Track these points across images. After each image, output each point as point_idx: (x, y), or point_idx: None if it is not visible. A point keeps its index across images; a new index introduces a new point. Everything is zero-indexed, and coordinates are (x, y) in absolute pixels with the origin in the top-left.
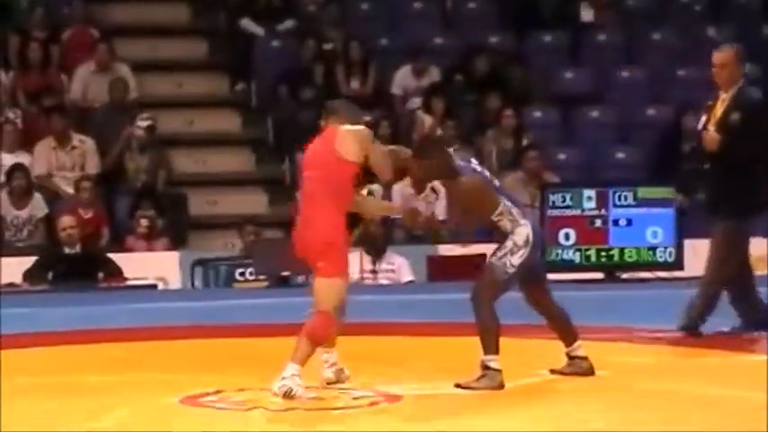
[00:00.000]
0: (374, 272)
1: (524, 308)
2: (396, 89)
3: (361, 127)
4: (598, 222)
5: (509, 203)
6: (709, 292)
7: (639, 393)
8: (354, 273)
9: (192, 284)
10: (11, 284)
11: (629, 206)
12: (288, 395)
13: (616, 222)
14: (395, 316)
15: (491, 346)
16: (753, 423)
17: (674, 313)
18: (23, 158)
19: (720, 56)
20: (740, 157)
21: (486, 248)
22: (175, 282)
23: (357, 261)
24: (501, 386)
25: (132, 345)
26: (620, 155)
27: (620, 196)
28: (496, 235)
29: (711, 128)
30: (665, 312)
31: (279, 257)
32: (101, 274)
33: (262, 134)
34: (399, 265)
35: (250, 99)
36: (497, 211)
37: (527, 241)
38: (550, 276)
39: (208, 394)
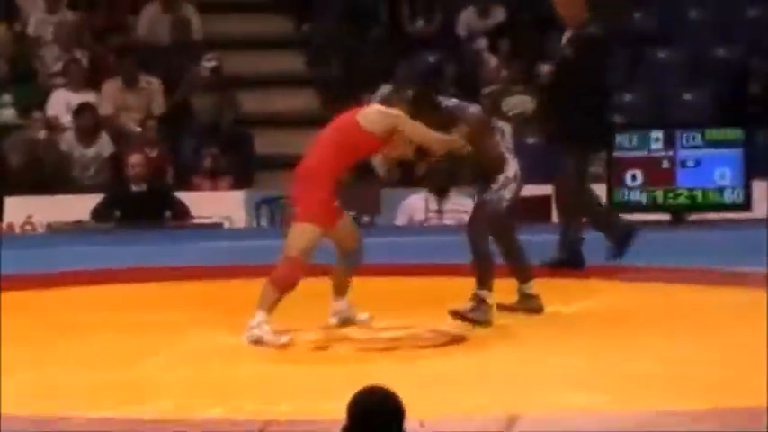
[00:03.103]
0: (439, 212)
1: None
2: (461, 29)
3: (396, 111)
4: (665, 164)
5: (504, 135)
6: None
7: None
8: (419, 213)
9: (258, 223)
10: (78, 222)
11: (696, 147)
12: (258, 343)
13: (683, 164)
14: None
15: (486, 281)
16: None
17: (742, 255)
18: (90, 97)
19: None
20: (570, 90)
21: (550, 189)
22: (240, 221)
23: (422, 202)
24: (490, 322)
25: (198, 284)
26: (688, 96)
27: (687, 137)
28: (480, 167)
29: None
30: (732, 254)
31: (344, 197)
32: (167, 213)
33: (327, 74)
34: (466, 206)
35: (315, 39)
36: (496, 140)
37: (516, 176)
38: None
39: (277, 333)
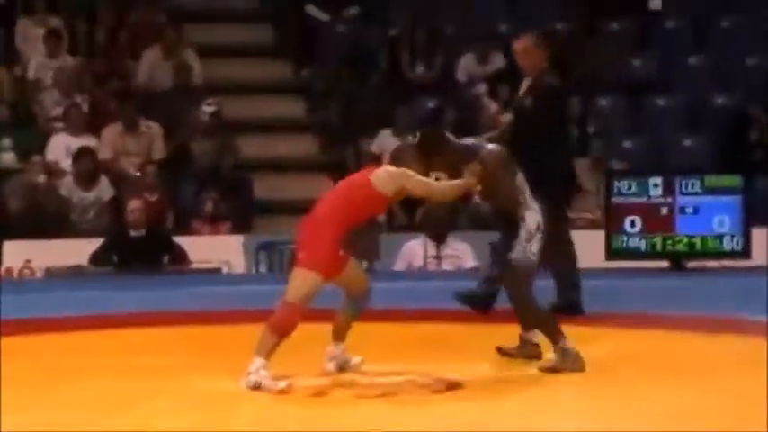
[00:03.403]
0: (438, 257)
1: None
2: (460, 75)
3: (403, 170)
4: (664, 210)
5: (523, 182)
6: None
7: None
8: (418, 259)
9: (257, 269)
10: (77, 267)
11: (696, 194)
12: (256, 389)
13: (683, 210)
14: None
15: (555, 335)
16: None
17: (741, 303)
18: (89, 141)
19: (519, 44)
20: (531, 141)
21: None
22: (239, 266)
23: (421, 247)
24: (584, 366)
25: (197, 329)
26: (687, 143)
27: (686, 184)
28: (500, 213)
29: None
30: (732, 302)
31: (344, 242)
32: (166, 258)
33: (326, 120)
34: (463, 251)
35: (315, 84)
36: (515, 183)
37: (539, 226)
38: (616, 264)
39: (275, 378)
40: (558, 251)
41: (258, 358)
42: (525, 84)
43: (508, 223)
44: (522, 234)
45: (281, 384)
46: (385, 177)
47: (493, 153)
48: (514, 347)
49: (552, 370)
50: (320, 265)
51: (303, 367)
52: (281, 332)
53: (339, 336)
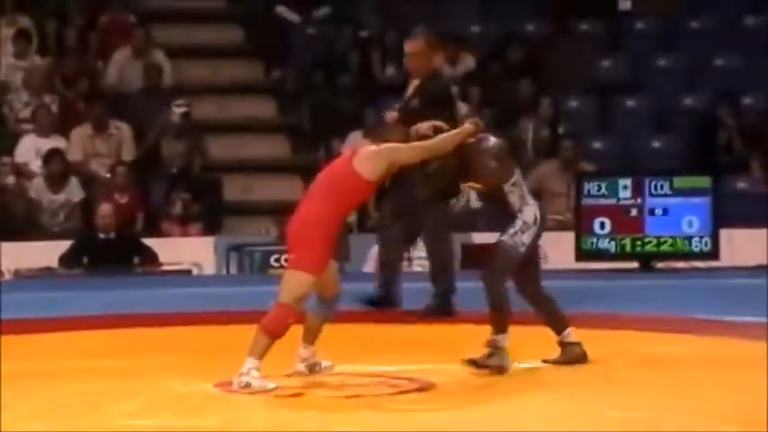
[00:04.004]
0: (408, 259)
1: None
2: None
3: (384, 145)
4: (634, 212)
5: (521, 179)
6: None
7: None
8: None
9: (227, 270)
10: (46, 268)
11: (665, 195)
12: (247, 389)
13: (652, 212)
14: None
15: (501, 325)
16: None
17: (709, 303)
18: (59, 143)
19: (410, 45)
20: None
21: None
22: (210, 267)
23: None
24: (508, 366)
25: (167, 330)
26: (657, 144)
27: (656, 185)
28: (498, 211)
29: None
30: (700, 302)
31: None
32: (136, 259)
33: (297, 121)
34: None
35: (285, 86)
36: (512, 181)
37: (535, 221)
38: (585, 265)
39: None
40: (435, 250)
41: (251, 358)
42: (412, 85)
43: (496, 210)
44: (518, 223)
45: (270, 385)
46: (370, 160)
47: (490, 137)
48: (559, 356)
49: (474, 363)
50: (313, 266)
51: (273, 369)
52: (274, 333)
53: (310, 338)
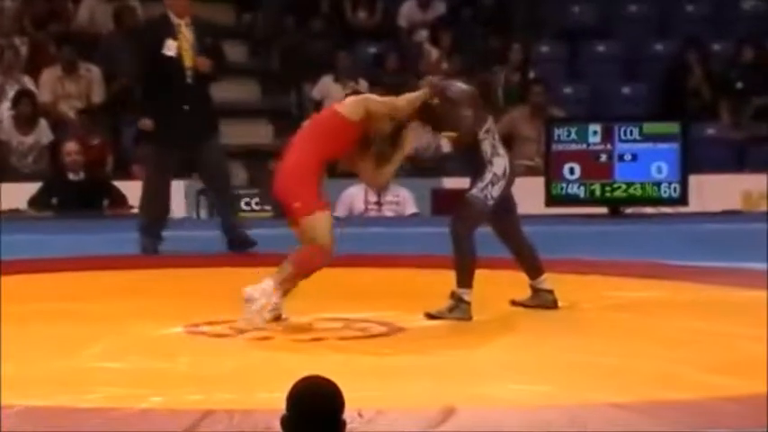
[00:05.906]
0: (378, 204)
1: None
2: (402, 21)
3: (363, 95)
4: (603, 157)
5: (494, 126)
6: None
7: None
8: (359, 204)
9: (198, 214)
10: (15, 210)
11: (634, 141)
12: (250, 300)
13: (621, 157)
14: (398, 248)
15: (465, 279)
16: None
17: (678, 249)
18: (29, 85)
19: None
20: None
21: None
22: (180, 211)
23: (362, 193)
24: (470, 318)
25: (136, 273)
26: (626, 90)
27: (625, 131)
28: (471, 160)
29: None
30: (668, 248)
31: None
32: (105, 202)
33: (268, 65)
34: (404, 198)
35: (256, 29)
36: (485, 127)
37: (504, 172)
38: (555, 210)
39: (212, 323)
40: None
41: (268, 281)
42: (184, 23)
43: (470, 163)
44: (488, 176)
45: (268, 316)
46: (351, 103)
47: (458, 86)
48: (528, 298)
49: (437, 316)
50: (319, 204)
51: (238, 313)
52: (303, 269)
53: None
